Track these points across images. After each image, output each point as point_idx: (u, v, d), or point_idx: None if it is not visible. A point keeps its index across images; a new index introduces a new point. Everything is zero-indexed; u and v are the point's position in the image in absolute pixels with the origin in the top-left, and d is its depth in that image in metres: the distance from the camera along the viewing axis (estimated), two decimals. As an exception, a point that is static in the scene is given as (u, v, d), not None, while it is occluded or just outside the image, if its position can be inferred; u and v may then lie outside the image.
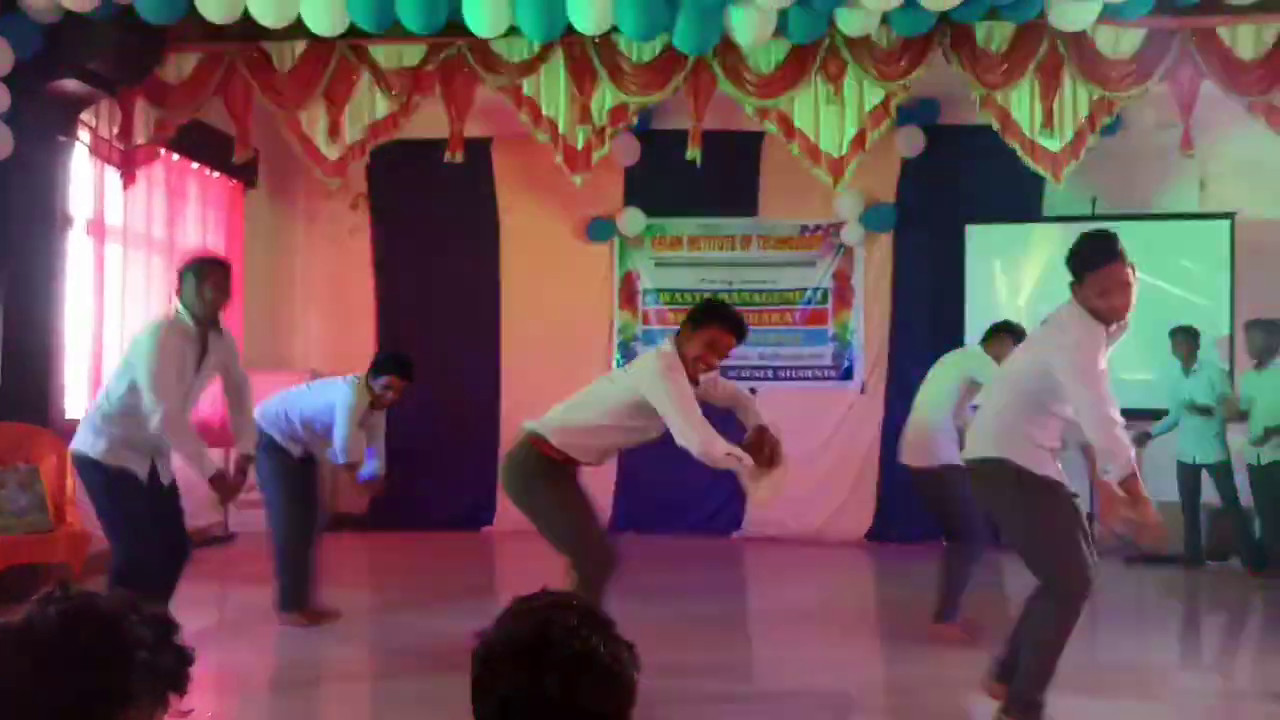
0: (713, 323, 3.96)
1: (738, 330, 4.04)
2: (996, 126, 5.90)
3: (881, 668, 4.96)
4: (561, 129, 6.01)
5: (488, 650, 1.34)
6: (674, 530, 7.90)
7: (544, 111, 5.99)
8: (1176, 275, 7.58)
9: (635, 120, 6.58)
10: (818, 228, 8.35)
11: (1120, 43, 5.65)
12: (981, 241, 7.97)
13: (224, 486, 4.22)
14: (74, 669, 1.22)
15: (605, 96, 5.95)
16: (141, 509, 4.07)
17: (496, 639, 1.34)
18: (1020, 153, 5.94)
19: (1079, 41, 5.61)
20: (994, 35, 5.67)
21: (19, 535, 4.93)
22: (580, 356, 8.12)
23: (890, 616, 6.07)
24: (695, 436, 3.75)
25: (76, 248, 6.29)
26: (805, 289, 8.39)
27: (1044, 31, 5.55)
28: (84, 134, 6.11)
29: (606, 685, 1.31)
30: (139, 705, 1.25)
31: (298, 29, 5.29)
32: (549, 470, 3.96)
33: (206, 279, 4.07)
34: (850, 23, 5.21)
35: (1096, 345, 3.35)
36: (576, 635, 1.31)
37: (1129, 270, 3.37)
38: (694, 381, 3.91)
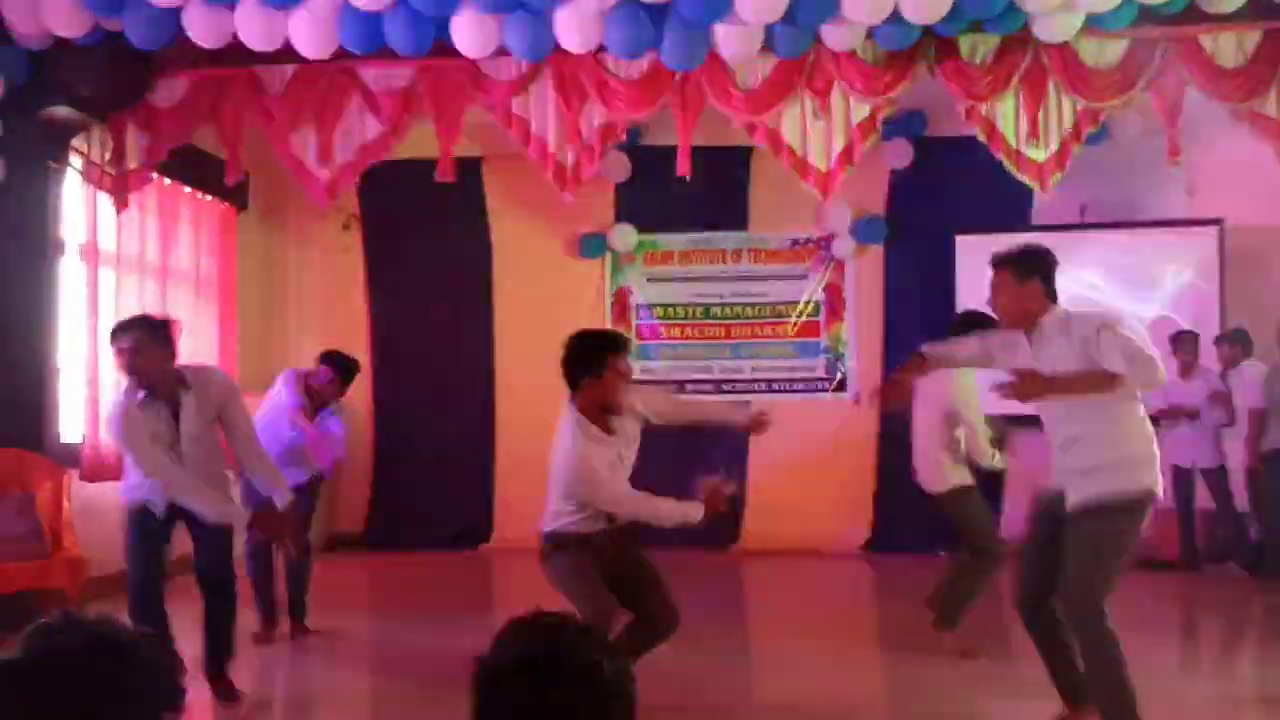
0: (608, 354, 3.72)
1: (620, 342, 3.89)
2: (983, 138, 5.95)
3: (882, 678, 4.96)
4: (551, 147, 6.04)
5: (493, 666, 1.35)
6: (671, 544, 7.86)
7: (533, 130, 6.02)
8: (1165, 281, 7.64)
9: (625, 137, 6.61)
10: (809, 241, 8.39)
11: (1104, 53, 5.70)
12: (972, 251, 8.01)
13: (267, 524, 4.23)
14: (71, 698, 1.22)
15: (594, 114, 5.98)
16: (134, 542, 4.07)
17: (502, 655, 1.36)
18: (1007, 164, 5.97)
19: (1063, 52, 5.65)
20: (978, 48, 5.71)
21: (14, 562, 4.91)
22: (574, 373, 8.13)
23: (890, 627, 6.07)
24: (628, 506, 3.74)
25: (70, 273, 6.31)
26: (797, 302, 8.42)
27: (1028, 43, 5.59)
28: (76, 160, 6.13)
29: (611, 700, 1.34)
30: None
31: (287, 53, 5.32)
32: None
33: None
34: (836, 38, 5.26)
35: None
36: (583, 652, 1.34)
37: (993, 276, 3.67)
38: (609, 431, 3.71)
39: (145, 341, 3.90)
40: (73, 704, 1.21)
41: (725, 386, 8.46)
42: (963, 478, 4.92)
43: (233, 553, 4.23)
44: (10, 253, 5.62)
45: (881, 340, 8.32)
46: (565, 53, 5.31)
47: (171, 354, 3.98)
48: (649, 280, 8.58)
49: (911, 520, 7.89)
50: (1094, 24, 5.30)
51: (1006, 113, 5.94)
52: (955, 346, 4.04)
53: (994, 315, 3.81)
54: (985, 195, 7.57)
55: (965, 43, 5.67)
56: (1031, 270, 3.62)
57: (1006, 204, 7.67)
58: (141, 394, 3.94)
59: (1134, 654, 3.39)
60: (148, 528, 4.05)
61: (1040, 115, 5.87)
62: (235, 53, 5.39)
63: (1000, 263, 3.68)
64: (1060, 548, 3.45)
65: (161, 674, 1.30)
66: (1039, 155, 5.93)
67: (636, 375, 8.78)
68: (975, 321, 5.14)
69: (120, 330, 3.99)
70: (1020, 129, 5.91)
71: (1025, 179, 6.04)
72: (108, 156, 6.16)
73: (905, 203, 8.17)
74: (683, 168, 6.00)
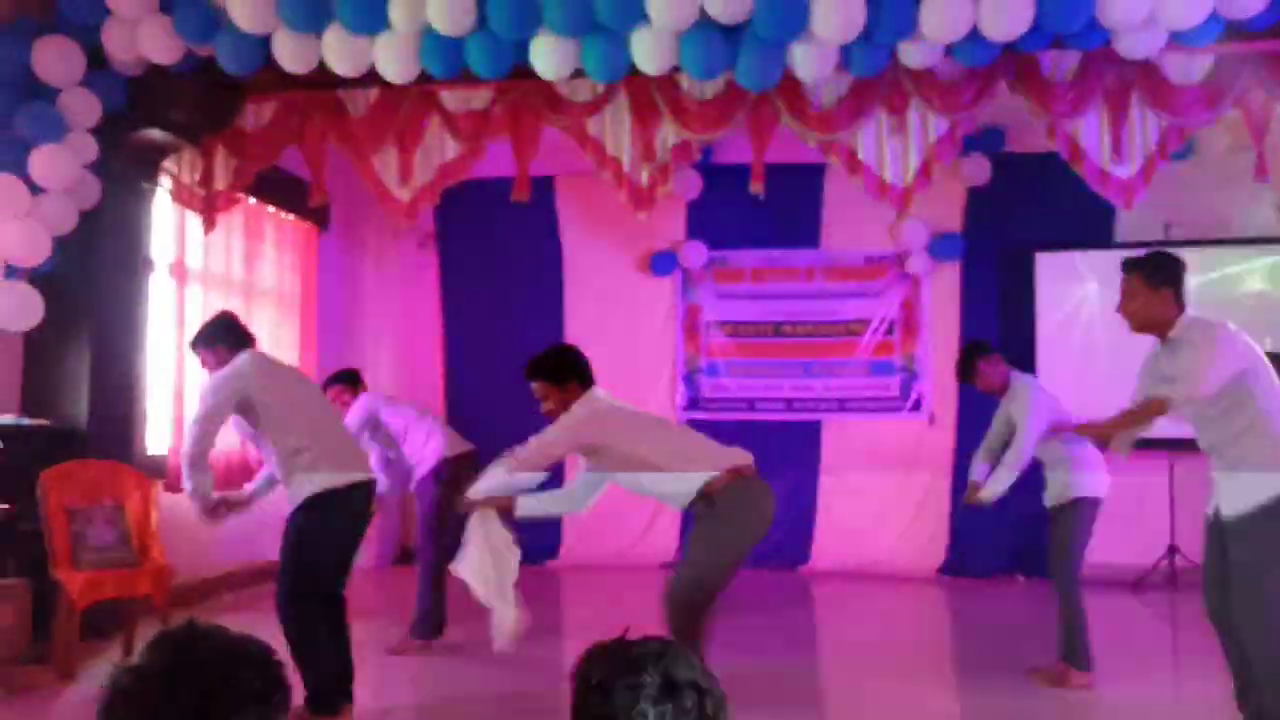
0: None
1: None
2: (1065, 155, 5.84)
3: (957, 706, 4.87)
4: (625, 167, 6.09)
5: (597, 675, 1.39)
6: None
7: (608, 150, 6.07)
8: (1251, 300, 7.41)
9: (698, 156, 6.64)
10: (883, 258, 8.32)
11: (1189, 70, 5.57)
12: (1052, 268, 7.88)
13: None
14: (192, 704, 1.25)
15: (668, 133, 6.01)
16: None
17: (601, 665, 1.40)
18: (1091, 182, 5.86)
19: (1146, 69, 5.54)
20: (1060, 64, 5.63)
21: (105, 570, 5.07)
22: (645, 390, 8.16)
23: (964, 653, 5.96)
24: None
25: (158, 290, 6.52)
26: (871, 320, 8.35)
27: (1111, 60, 5.49)
28: (166, 181, 6.34)
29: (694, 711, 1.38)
30: None
31: (371, 77, 5.45)
32: None
33: None
34: (913, 56, 5.22)
35: None
36: (685, 669, 1.38)
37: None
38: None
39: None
40: (193, 709, 1.25)
41: (796, 405, 8.42)
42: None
43: (282, 565, 4.20)
44: (104, 270, 5.83)
45: (958, 359, 8.18)
46: (640, 73, 5.36)
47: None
48: (720, 298, 8.57)
49: (988, 544, 7.77)
50: (1178, 40, 5.18)
51: (1089, 130, 5.84)
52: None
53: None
54: (1066, 212, 7.44)
55: (1046, 59, 5.59)
56: (1164, 277, 3.65)
57: (1088, 220, 7.53)
58: None
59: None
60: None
61: (1124, 132, 5.76)
62: (320, 77, 5.53)
63: (1132, 267, 3.71)
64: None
65: (274, 682, 1.33)
66: (1124, 173, 5.81)
67: (709, 394, 8.84)
68: (977, 349, 5.12)
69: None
70: (1104, 146, 5.80)
71: (1110, 198, 5.93)
72: (197, 178, 6.36)
73: (983, 219, 8.06)
74: (756, 187, 5.99)
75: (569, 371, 4.00)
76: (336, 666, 4.17)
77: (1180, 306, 3.65)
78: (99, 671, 4.99)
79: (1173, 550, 7.35)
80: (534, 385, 3.99)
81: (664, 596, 3.78)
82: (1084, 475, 4.80)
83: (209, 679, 1.27)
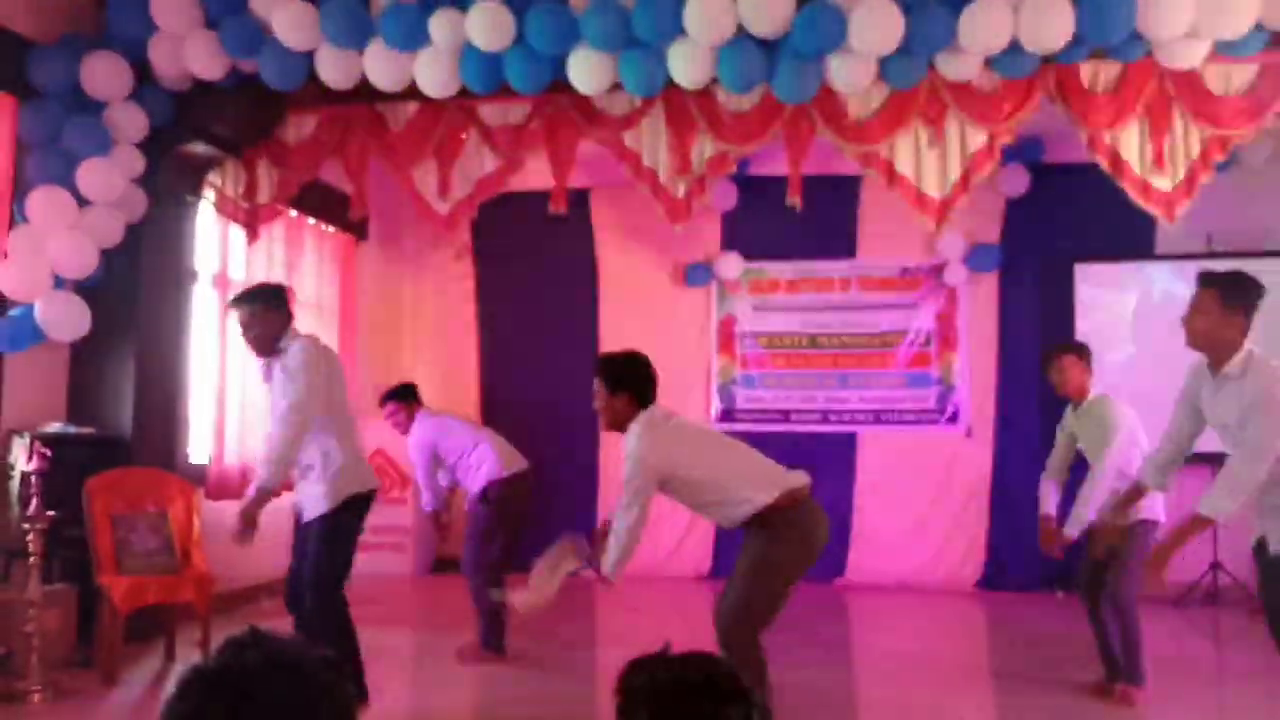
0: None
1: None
2: (1106, 167, 5.79)
3: (994, 722, 4.83)
4: (662, 179, 6.11)
5: (648, 691, 1.41)
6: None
7: (645, 162, 6.09)
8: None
9: (734, 168, 6.64)
10: (919, 269, 8.28)
11: (1232, 80, 5.50)
12: (1091, 280, 7.80)
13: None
14: (269, 715, 1.25)
15: (705, 146, 6.03)
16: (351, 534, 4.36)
17: (656, 680, 1.41)
18: (1132, 193, 5.80)
19: (1189, 79, 5.48)
20: (1100, 75, 5.58)
21: (149, 576, 5.15)
22: (679, 401, 8.12)
23: (1002, 668, 5.90)
24: None
25: (201, 301, 6.62)
26: (907, 331, 8.31)
27: (1152, 70, 5.44)
28: (210, 194, 6.45)
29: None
30: None
31: (411, 92, 5.51)
32: None
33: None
34: (951, 67, 5.20)
35: None
36: (739, 680, 1.39)
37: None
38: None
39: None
40: (261, 714, 1.25)
41: (831, 417, 8.39)
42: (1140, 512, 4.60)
43: (320, 562, 4.20)
44: (150, 281, 5.93)
45: (995, 371, 8.14)
46: (677, 87, 5.38)
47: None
48: (755, 309, 8.56)
49: (1026, 558, 7.69)
50: (1221, 51, 5.13)
51: (1130, 141, 5.78)
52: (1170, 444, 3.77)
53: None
54: (1106, 223, 7.37)
55: (1086, 70, 5.54)
56: (1242, 300, 3.41)
57: (1129, 232, 7.45)
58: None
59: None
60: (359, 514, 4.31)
61: (1166, 143, 5.70)
62: (361, 92, 5.61)
63: (1210, 282, 3.46)
64: None
65: (340, 694, 1.32)
66: (1165, 184, 5.75)
67: (744, 405, 8.80)
68: (1082, 347, 4.96)
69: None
70: (1145, 157, 5.74)
71: (1152, 209, 5.86)
72: (241, 191, 6.46)
73: (1021, 230, 8.00)
74: (794, 199, 5.99)
75: (626, 383, 3.93)
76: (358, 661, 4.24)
77: (1246, 333, 3.40)
78: (141, 676, 5.07)
79: (1215, 566, 7.24)
80: (594, 381, 3.95)
81: (716, 618, 3.71)
82: (1151, 498, 4.50)
83: (284, 675, 1.27)
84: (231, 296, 4.42)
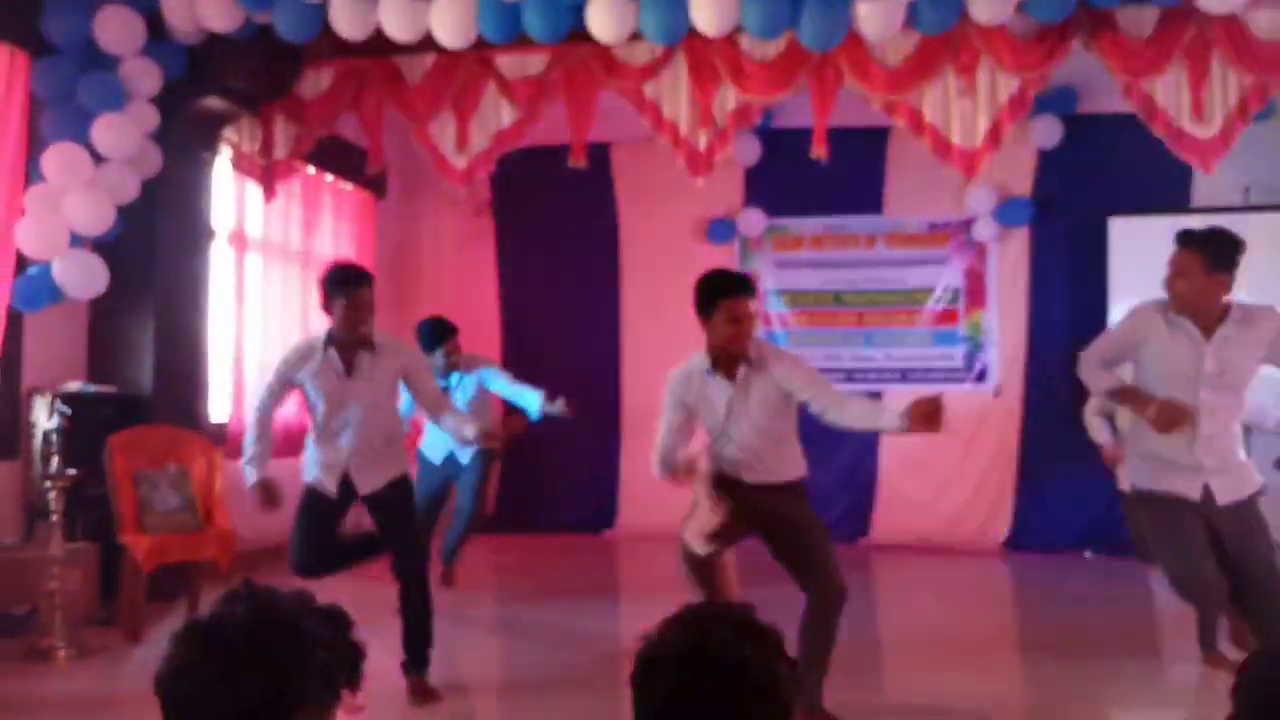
0: (719, 298, 3.66)
1: (742, 285, 3.76)
2: (1142, 116, 5.61)
3: (1021, 685, 4.76)
4: (683, 131, 5.98)
5: (649, 656, 1.36)
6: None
7: (665, 114, 5.96)
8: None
9: (758, 120, 6.50)
10: (948, 224, 8.11)
11: (1275, 25, 5.30)
12: (1126, 235, 7.61)
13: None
14: (260, 668, 1.24)
15: (727, 97, 5.89)
16: (304, 520, 4.21)
17: (657, 645, 1.36)
18: (1168, 143, 5.63)
19: (1229, 25, 5.28)
20: (1137, 21, 5.39)
21: (170, 534, 5.14)
22: (702, 359, 8.07)
23: (1030, 630, 5.84)
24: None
25: (218, 258, 6.57)
26: (935, 288, 8.16)
27: (1191, 16, 5.25)
28: (226, 150, 6.37)
29: (759, 701, 1.31)
30: (315, 701, 1.28)
31: (427, 43, 5.40)
32: None
33: (339, 295, 4.01)
34: (984, 11, 5.03)
35: None
36: (732, 648, 1.31)
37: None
38: (731, 376, 3.68)
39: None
40: (252, 666, 1.24)
41: (857, 376, 8.27)
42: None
43: (418, 533, 4.30)
44: (167, 238, 5.88)
45: (1025, 329, 7.99)
46: (699, 35, 5.24)
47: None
48: (778, 266, 8.44)
49: (1055, 518, 7.60)
50: (1265, -6, 4.94)
51: (1167, 89, 5.59)
52: (1104, 349, 3.82)
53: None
54: (1141, 175, 7.18)
55: (1123, 15, 5.35)
56: (1225, 262, 3.44)
57: (1165, 184, 7.27)
58: (325, 344, 4.08)
59: None
60: (320, 509, 4.17)
61: (1204, 92, 5.51)
62: (377, 44, 5.50)
63: (1190, 243, 3.47)
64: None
65: (340, 649, 1.31)
66: (1203, 134, 5.57)
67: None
68: None
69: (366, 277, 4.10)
70: (1182, 106, 5.56)
71: (1188, 159, 5.69)
72: (257, 147, 6.38)
73: (1053, 183, 7.81)
74: (819, 150, 5.85)
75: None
76: None
77: (1229, 290, 3.48)
78: (164, 634, 5.08)
79: None
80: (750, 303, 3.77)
81: (821, 564, 3.62)
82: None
83: (276, 629, 1.27)
84: (361, 273, 4.14)
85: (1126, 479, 4.13)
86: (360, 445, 4.11)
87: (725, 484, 3.72)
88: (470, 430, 4.16)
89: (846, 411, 3.64)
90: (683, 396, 3.76)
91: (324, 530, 4.23)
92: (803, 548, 3.66)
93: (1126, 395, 3.71)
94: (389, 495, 4.17)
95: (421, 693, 4.04)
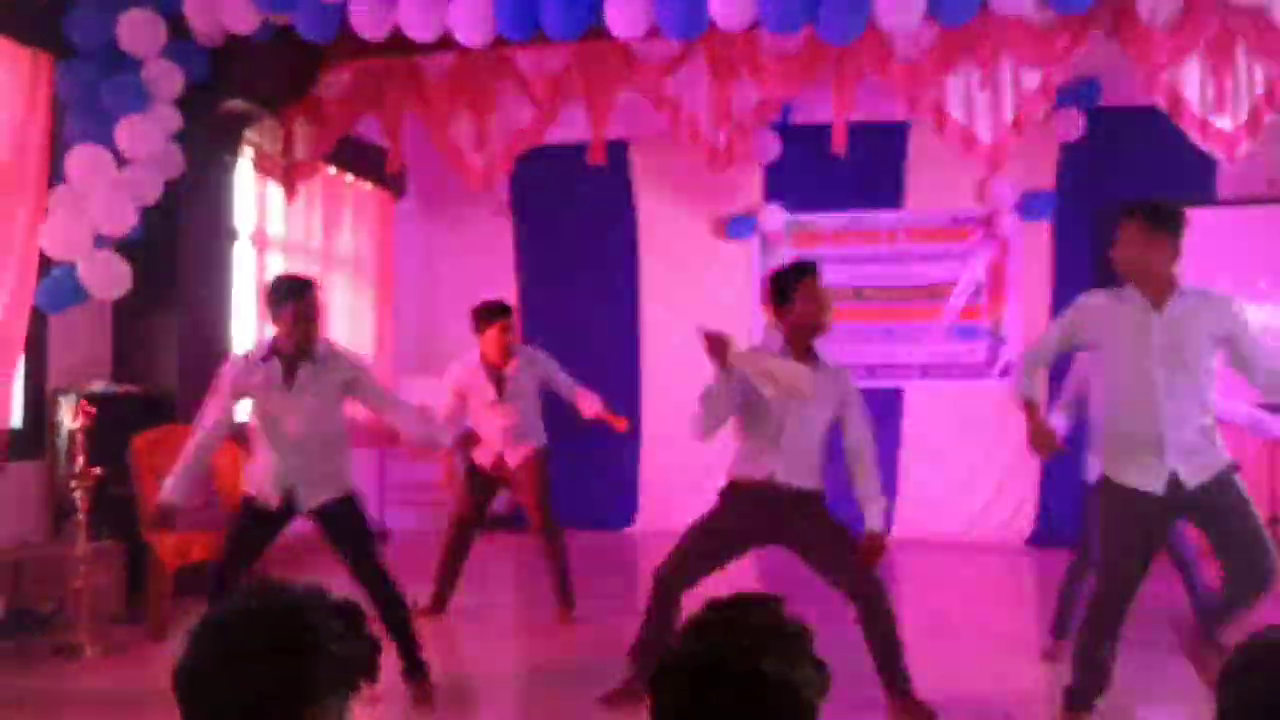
0: (800, 284, 4.01)
1: (810, 270, 4.07)
2: (1165, 107, 5.56)
3: (1045, 683, 4.72)
4: (702, 127, 5.96)
5: (665, 666, 1.35)
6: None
7: (685, 110, 5.95)
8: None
9: (777, 115, 6.48)
10: (970, 218, 8.06)
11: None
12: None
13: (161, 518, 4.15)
14: (273, 662, 1.25)
15: (746, 93, 5.87)
16: (236, 531, 4.18)
17: (675, 654, 1.35)
18: (1192, 134, 5.57)
19: (1253, 15, 5.22)
20: (1160, 11, 5.33)
21: (195, 533, 5.18)
22: (723, 356, 8.05)
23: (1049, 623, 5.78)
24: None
25: (240, 259, 6.61)
26: (956, 283, 8.10)
27: (1214, 5, 5.19)
28: (248, 151, 6.41)
29: (775, 711, 1.30)
30: (330, 694, 1.28)
31: (446, 42, 5.41)
32: None
33: (284, 305, 3.96)
34: (1004, 2, 4.99)
35: None
36: (750, 657, 1.30)
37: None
38: (798, 358, 3.99)
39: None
40: (265, 661, 1.25)
41: (878, 372, 8.23)
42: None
43: (373, 541, 4.15)
44: (190, 239, 5.92)
45: (1049, 323, 7.91)
46: (718, 31, 5.22)
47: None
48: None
49: (1079, 514, 7.54)
50: (1291, -19, 4.88)
51: (1190, 79, 5.54)
52: (1042, 350, 3.92)
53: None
54: (1165, 168, 7.09)
55: (1145, 5, 5.30)
56: (1164, 221, 3.49)
57: (1188, 177, 7.17)
58: (265, 354, 4.04)
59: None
60: (255, 520, 4.10)
61: (1228, 82, 5.45)
62: (396, 43, 5.51)
63: (1131, 213, 3.54)
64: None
65: (355, 642, 1.31)
66: (1227, 124, 5.51)
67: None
68: None
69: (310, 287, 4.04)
70: (1206, 96, 5.50)
71: (1211, 148, 5.63)
72: (278, 147, 6.41)
73: (1076, 176, 7.75)
74: (839, 145, 5.82)
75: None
76: None
77: (1175, 260, 3.51)
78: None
79: (1275, 520, 7.03)
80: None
81: (869, 575, 3.97)
82: None
83: (289, 623, 1.27)
84: (306, 283, 4.08)
85: (1091, 470, 4.23)
86: (302, 459, 4.04)
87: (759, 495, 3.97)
88: (443, 435, 4.15)
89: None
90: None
91: (252, 544, 4.14)
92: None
93: (1029, 409, 3.88)
94: (339, 511, 4.08)
95: (426, 696, 4.06)
